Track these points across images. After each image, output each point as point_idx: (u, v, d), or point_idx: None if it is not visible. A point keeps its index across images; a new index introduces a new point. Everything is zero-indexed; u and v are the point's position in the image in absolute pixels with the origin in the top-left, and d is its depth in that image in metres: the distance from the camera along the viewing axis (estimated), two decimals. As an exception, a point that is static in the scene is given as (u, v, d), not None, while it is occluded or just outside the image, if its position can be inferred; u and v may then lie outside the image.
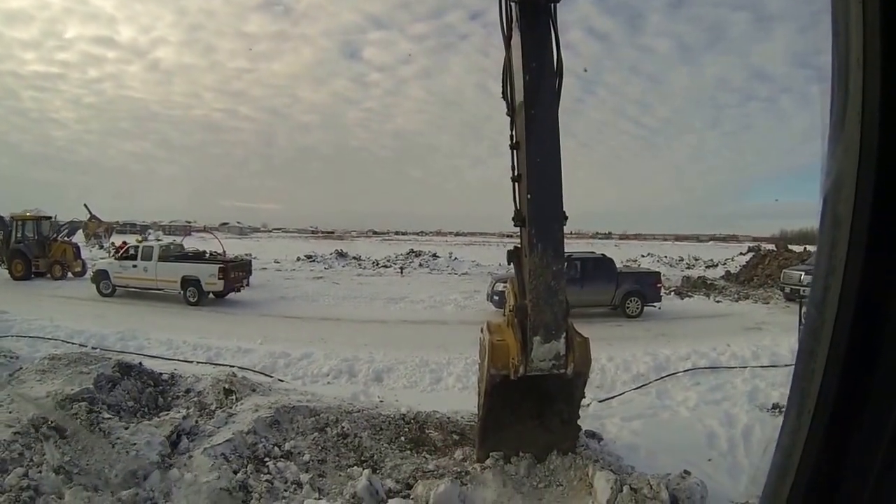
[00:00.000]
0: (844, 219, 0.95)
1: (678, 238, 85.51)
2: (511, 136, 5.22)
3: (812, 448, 1.02)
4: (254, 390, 6.50)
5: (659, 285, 16.03)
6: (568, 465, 5.03)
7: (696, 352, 10.13)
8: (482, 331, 5.29)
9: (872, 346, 0.93)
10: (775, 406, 7.50)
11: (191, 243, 21.57)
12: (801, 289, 17.61)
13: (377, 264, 30.06)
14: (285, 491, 4.62)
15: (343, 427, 5.53)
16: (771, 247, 31.11)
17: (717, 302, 19.29)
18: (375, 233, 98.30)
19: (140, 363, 7.40)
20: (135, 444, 4.93)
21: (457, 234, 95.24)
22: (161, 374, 7.40)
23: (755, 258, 27.65)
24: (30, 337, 10.61)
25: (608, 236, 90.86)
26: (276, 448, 5.20)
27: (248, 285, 17.38)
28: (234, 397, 6.38)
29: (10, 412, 6.13)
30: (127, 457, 4.80)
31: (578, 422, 5.41)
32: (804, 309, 6.49)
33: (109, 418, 5.34)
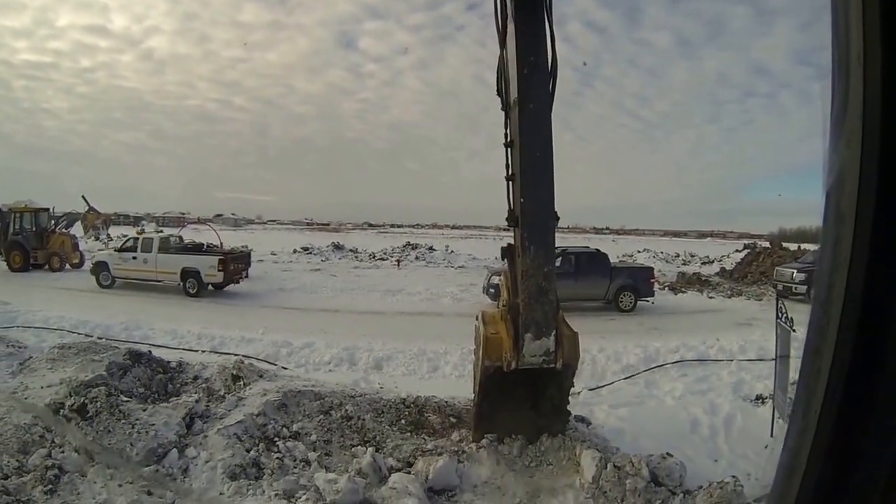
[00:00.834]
0: (848, 215, 0.95)
1: (676, 234, 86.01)
2: (506, 135, 5.40)
3: (819, 448, 1.01)
4: (261, 376, 6.91)
5: (652, 280, 16.46)
6: (557, 446, 5.45)
7: (685, 345, 10.58)
8: (477, 319, 5.69)
9: (878, 342, 0.93)
10: (759, 397, 7.92)
11: (186, 235, 21.86)
12: (794, 286, 18.09)
13: (374, 257, 30.47)
14: (295, 468, 5.03)
15: (347, 410, 5.95)
16: (766, 244, 31.68)
17: (711, 298, 19.72)
18: (371, 225, 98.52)
19: (149, 351, 7.77)
20: (153, 424, 5.33)
21: (453, 227, 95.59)
22: (169, 361, 7.76)
23: (750, 255, 28.17)
24: (35, 327, 10.93)
25: (606, 231, 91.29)
26: (284, 429, 5.62)
27: (247, 277, 17.75)
28: (241, 383, 6.78)
29: (26, 398, 6.53)
30: (146, 436, 5.20)
31: (568, 408, 5.84)
32: (780, 303, 6.85)
33: (127, 401, 5.73)
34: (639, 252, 37.13)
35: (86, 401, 5.54)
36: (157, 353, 8.16)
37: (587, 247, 17.46)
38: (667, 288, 20.81)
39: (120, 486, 4.78)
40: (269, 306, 14.98)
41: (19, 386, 7.02)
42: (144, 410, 5.55)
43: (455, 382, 7.84)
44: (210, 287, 16.48)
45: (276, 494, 4.55)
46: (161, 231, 21.70)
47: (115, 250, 18.02)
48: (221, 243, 19.44)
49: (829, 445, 0.99)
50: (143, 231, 20.28)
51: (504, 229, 5.55)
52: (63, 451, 5.26)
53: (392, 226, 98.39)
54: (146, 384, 7.17)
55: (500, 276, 12.10)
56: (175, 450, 5.15)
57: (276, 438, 5.44)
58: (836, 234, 0.98)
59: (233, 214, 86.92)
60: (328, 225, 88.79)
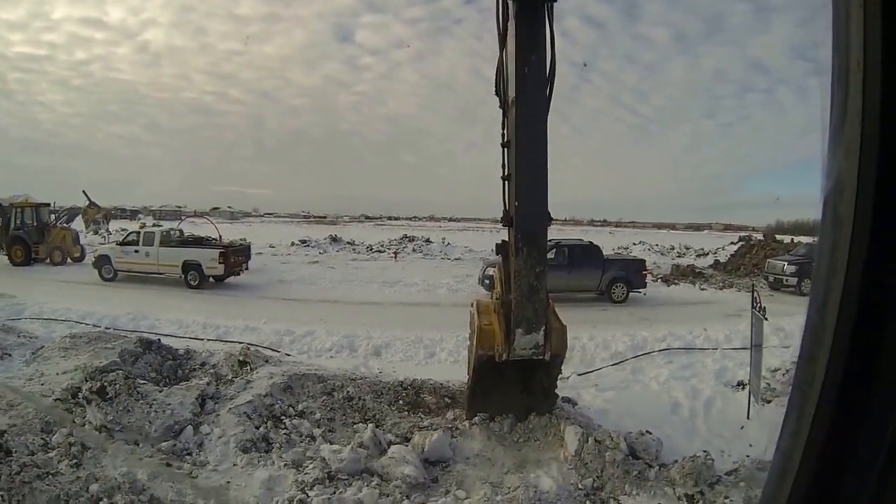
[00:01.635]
0: (845, 221, 0.95)
1: (673, 227, 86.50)
2: (503, 135, 5.64)
3: (812, 451, 1.02)
4: (266, 361, 7.39)
5: (644, 272, 16.92)
6: (545, 424, 5.92)
7: (673, 334, 11.04)
8: (472, 306, 6.15)
9: (874, 348, 0.93)
10: (740, 383, 8.36)
11: (184, 229, 22.22)
12: (785, 278, 18.53)
13: (371, 249, 30.91)
14: (301, 442, 5.52)
15: (348, 391, 6.44)
16: (760, 237, 32.14)
17: (702, 290, 20.14)
18: (367, 217, 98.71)
19: (158, 339, 8.21)
20: (169, 404, 5.80)
21: (450, 220, 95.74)
22: (177, 349, 8.22)
23: (743, 248, 28.59)
24: (43, 319, 11.36)
25: (603, 224, 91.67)
26: (290, 408, 6.10)
27: (247, 269, 18.19)
28: (248, 367, 7.24)
29: (43, 384, 6.98)
30: (164, 415, 5.66)
31: (556, 390, 6.31)
32: (755, 294, 7.31)
33: (144, 383, 6.19)
34: (634, 244, 37.55)
35: (105, 383, 5.99)
36: (164, 341, 8.60)
37: (580, 239, 17.92)
38: (659, 280, 21.24)
39: (140, 459, 5.25)
40: (270, 297, 15.44)
41: (34, 373, 7.47)
42: (161, 392, 6.02)
43: (450, 367, 8.30)
44: (211, 279, 16.92)
45: (284, 465, 5.03)
46: (159, 224, 22.11)
47: (118, 244, 18.43)
48: (220, 236, 19.86)
49: (822, 450, 1.01)
50: (144, 225, 20.71)
51: (500, 221, 5.91)
52: (84, 430, 5.73)
53: (389, 218, 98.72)
54: (157, 370, 7.62)
55: (494, 267, 12.55)
56: (190, 427, 5.62)
57: (283, 417, 5.91)
58: (834, 240, 0.98)
59: (229, 207, 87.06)
60: (325, 218, 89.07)
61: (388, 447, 5.23)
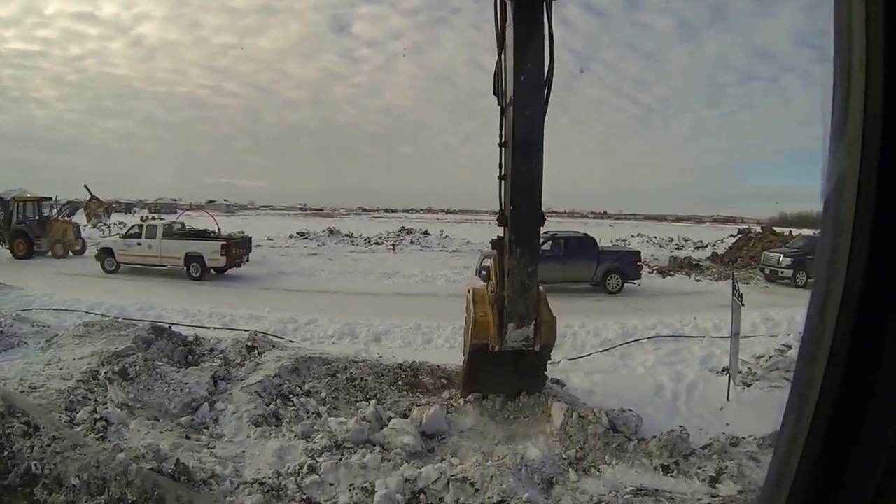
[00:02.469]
0: (846, 223, 0.95)
1: (674, 219, 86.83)
2: (500, 135, 5.88)
3: (810, 456, 1.02)
4: (273, 346, 7.98)
5: (639, 263, 17.49)
6: (534, 402, 6.48)
7: (663, 322, 11.62)
8: (469, 292, 6.70)
9: (874, 352, 0.93)
10: (724, 369, 8.86)
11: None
12: (781, 270, 19.05)
13: (369, 241, 31.48)
14: (308, 418, 6.10)
15: (351, 373, 7.03)
16: (759, 229, 32.71)
17: (697, 281, 20.65)
18: (365, 210, 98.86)
19: (170, 326, 8.77)
20: (186, 383, 6.37)
21: (448, 212, 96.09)
22: (186, 336, 8.77)
23: (741, 240, 29.16)
24: (53, 309, 11.86)
25: (603, 216, 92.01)
26: (297, 388, 6.69)
27: (247, 261, 18.77)
28: (256, 352, 7.80)
29: (61, 369, 7.52)
30: (182, 393, 6.24)
31: (545, 373, 6.87)
32: (735, 282, 7.87)
33: (162, 364, 6.75)
34: (632, 237, 38.03)
35: (126, 365, 6.55)
36: (174, 329, 9.14)
37: (576, 231, 18.50)
38: (655, 271, 21.80)
39: (161, 433, 5.80)
40: (271, 288, 16.03)
41: (52, 359, 8.00)
42: (178, 372, 6.59)
43: (447, 352, 8.86)
44: (212, 271, 17.49)
45: (294, 436, 5.61)
46: (156, 218, 22.62)
47: (120, 237, 19.03)
48: (219, 229, 20.40)
49: (820, 454, 1.00)
50: (144, 218, 21.21)
51: (496, 221, 6.20)
52: (107, 408, 6.27)
53: (386, 210, 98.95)
54: (169, 355, 8.15)
55: (491, 259, 13.09)
56: (206, 404, 6.19)
57: (291, 395, 6.50)
58: (834, 243, 0.98)
59: (225, 200, 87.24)
60: (322, 210, 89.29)
61: (389, 421, 5.81)
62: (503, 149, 5.78)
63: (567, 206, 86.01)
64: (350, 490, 4.70)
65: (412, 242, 31.26)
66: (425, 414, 5.85)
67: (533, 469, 5.12)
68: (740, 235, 31.49)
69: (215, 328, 10.42)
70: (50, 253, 21.73)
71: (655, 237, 39.13)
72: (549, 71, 5.29)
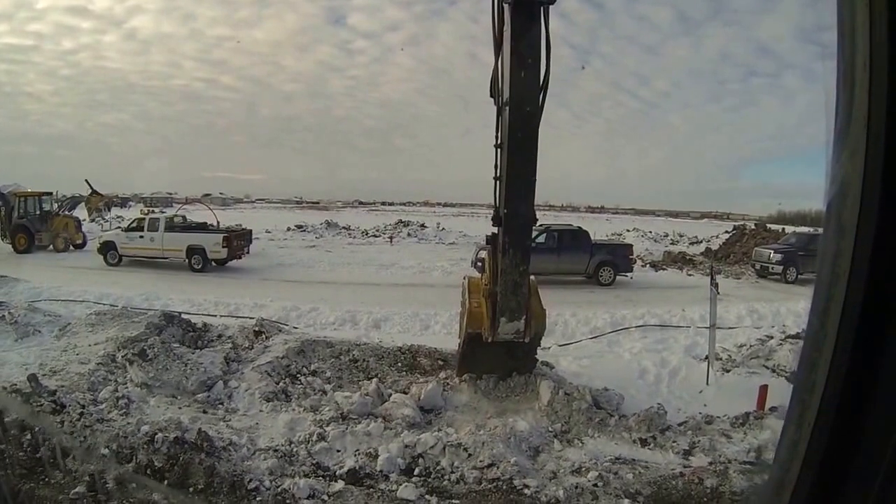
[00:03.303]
0: (849, 227, 0.95)
1: (671, 214, 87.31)
2: (496, 136, 6.13)
3: (811, 462, 1.02)
4: (280, 330, 8.54)
5: (631, 257, 18.07)
6: (524, 382, 7.07)
7: (651, 313, 12.20)
8: (465, 279, 7.25)
9: (876, 359, 0.93)
10: (707, 357, 9.53)
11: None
12: (771, 266, 19.59)
13: (366, 234, 32.01)
14: (314, 394, 6.68)
15: (354, 355, 7.63)
16: (752, 226, 33.32)
17: (689, 275, 21.07)
18: (361, 203, 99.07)
19: (180, 314, 9.33)
20: (201, 363, 6.95)
21: (444, 205, 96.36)
22: (195, 323, 9.32)
23: (734, 236, 29.76)
24: (62, 300, 12.36)
25: (601, 210, 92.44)
26: (304, 368, 7.29)
27: (248, 253, 19.31)
28: (263, 336, 8.38)
29: (78, 354, 8.05)
30: (197, 372, 6.83)
31: (536, 356, 7.44)
32: (713, 274, 8.48)
33: (178, 346, 7.32)
34: (628, 231, 38.48)
35: (145, 347, 7.12)
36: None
37: (570, 224, 19.06)
38: (648, 265, 22.36)
39: (180, 408, 6.38)
40: (271, 279, 16.60)
41: (68, 345, 8.54)
42: (193, 353, 7.16)
43: (444, 338, 9.43)
44: (213, 263, 17.99)
45: (303, 409, 6.21)
46: (155, 211, 23.13)
47: (123, 230, 19.53)
48: (218, 222, 20.90)
49: (821, 461, 1.00)
50: (145, 212, 21.70)
51: (491, 221, 6.47)
52: (127, 387, 6.82)
53: (383, 203, 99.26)
54: (180, 340, 8.69)
55: (486, 251, 13.62)
56: (221, 382, 6.78)
57: (298, 375, 7.11)
58: (837, 247, 0.98)
59: (221, 194, 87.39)
60: (318, 203, 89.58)
61: (389, 397, 6.40)
62: (499, 150, 5.99)
63: (564, 201, 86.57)
64: (356, 455, 5.30)
65: (409, 235, 31.80)
66: (423, 390, 6.45)
67: (521, 438, 5.72)
68: (734, 231, 32.11)
69: (221, 316, 10.97)
70: (51, 247, 22.12)
71: (651, 232, 39.65)
72: (545, 75, 5.41)
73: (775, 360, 8.84)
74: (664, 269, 22.14)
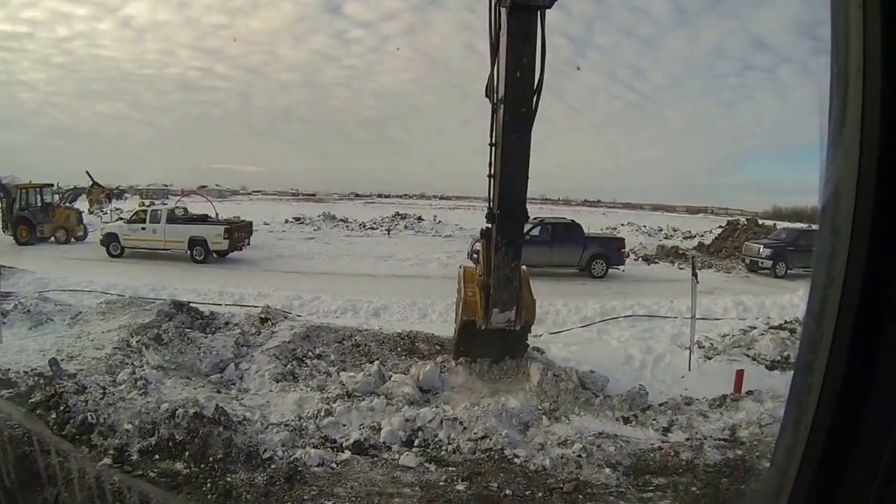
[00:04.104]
0: (843, 229, 0.95)
1: (667, 209, 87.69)
2: (491, 135, 6.43)
3: (809, 466, 1.02)
4: (285, 317, 9.05)
5: (623, 250, 18.56)
6: (516, 365, 7.59)
7: (641, 304, 12.73)
8: (460, 268, 7.75)
9: (872, 359, 0.93)
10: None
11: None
12: (761, 261, 20.06)
13: (364, 226, 32.48)
14: (320, 375, 7.21)
15: (356, 340, 8.17)
16: (745, 221, 33.86)
17: (681, 269, 21.43)
18: (358, 195, 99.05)
19: (188, 302, 9.81)
20: (214, 346, 7.46)
21: (441, 198, 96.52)
22: (203, 311, 9.80)
23: (726, 231, 30.29)
24: (70, 290, 12.76)
25: (597, 204, 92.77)
26: (309, 352, 7.83)
27: (248, 244, 19.78)
28: (269, 323, 8.89)
29: (92, 340, 8.52)
30: (210, 355, 7.34)
31: (527, 341, 7.96)
32: (694, 267, 9.02)
33: (191, 330, 7.82)
34: (622, 225, 38.98)
35: (160, 332, 7.61)
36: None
37: (563, 217, 19.56)
38: (641, 259, 22.88)
39: (195, 388, 6.88)
40: (272, 270, 17.10)
41: (81, 332, 9.00)
42: (206, 338, 7.67)
43: (441, 325, 9.97)
44: (214, 255, 18.45)
45: (311, 389, 6.75)
46: (154, 203, 23.52)
47: (125, 222, 19.92)
48: (217, 214, 21.32)
49: (819, 464, 1.00)
50: (143, 204, 22.09)
51: (485, 218, 6.88)
52: (144, 370, 7.31)
53: (379, 196, 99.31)
54: (189, 327, 9.19)
55: (480, 244, 14.08)
56: (232, 364, 7.30)
57: (305, 358, 7.64)
58: (832, 249, 0.98)
59: (217, 185, 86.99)
60: (314, 195, 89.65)
61: (390, 378, 6.93)
62: (493, 149, 6.35)
63: (560, 195, 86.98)
64: (360, 428, 5.84)
65: (406, 227, 32.26)
66: (422, 371, 6.99)
67: (512, 414, 6.26)
68: (727, 226, 32.62)
69: (227, 305, 11.46)
70: (53, 239, 22.43)
71: (646, 226, 40.04)
72: (539, 79, 5.63)
73: (756, 350, 9.36)
74: (656, 263, 22.59)
